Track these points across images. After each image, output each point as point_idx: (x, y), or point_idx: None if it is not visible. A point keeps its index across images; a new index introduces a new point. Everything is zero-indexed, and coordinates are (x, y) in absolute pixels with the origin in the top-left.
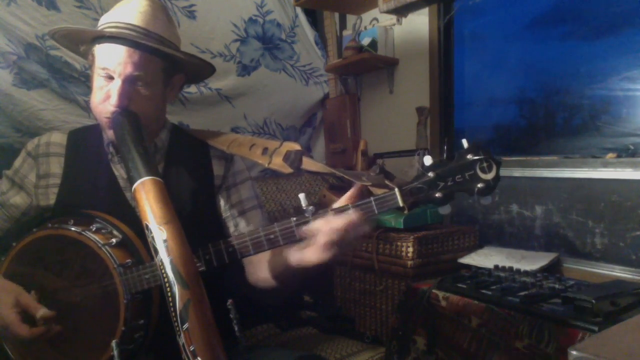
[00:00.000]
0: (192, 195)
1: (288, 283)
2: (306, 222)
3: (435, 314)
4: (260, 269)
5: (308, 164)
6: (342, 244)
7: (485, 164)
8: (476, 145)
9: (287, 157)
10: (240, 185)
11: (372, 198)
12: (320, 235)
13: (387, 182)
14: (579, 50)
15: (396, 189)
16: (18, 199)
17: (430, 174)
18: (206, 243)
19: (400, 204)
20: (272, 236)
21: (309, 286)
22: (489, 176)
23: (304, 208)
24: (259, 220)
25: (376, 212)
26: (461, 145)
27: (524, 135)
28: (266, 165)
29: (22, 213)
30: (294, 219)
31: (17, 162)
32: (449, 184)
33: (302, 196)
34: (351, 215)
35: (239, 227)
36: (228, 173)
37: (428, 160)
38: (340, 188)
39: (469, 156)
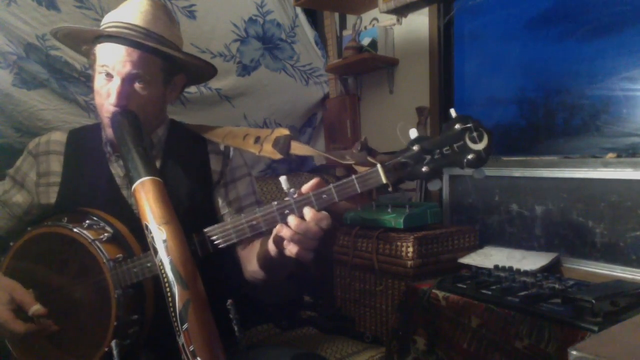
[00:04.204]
0: (190, 191)
1: (274, 273)
2: (288, 205)
3: (435, 314)
4: (250, 262)
5: (297, 148)
6: (305, 240)
7: (475, 134)
8: (465, 116)
9: (276, 143)
10: (238, 182)
11: (353, 176)
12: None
13: (369, 159)
14: (579, 50)
15: (378, 165)
16: (20, 198)
17: (415, 148)
18: None
19: (384, 180)
20: (254, 222)
21: (309, 286)
22: (480, 146)
23: (286, 191)
24: None
25: (359, 190)
26: (450, 116)
27: (524, 135)
28: (257, 153)
29: (24, 212)
30: (275, 202)
31: (19, 161)
32: (436, 157)
33: (282, 179)
34: (309, 213)
35: None
36: (226, 169)
37: (413, 133)
38: None
39: (457, 126)
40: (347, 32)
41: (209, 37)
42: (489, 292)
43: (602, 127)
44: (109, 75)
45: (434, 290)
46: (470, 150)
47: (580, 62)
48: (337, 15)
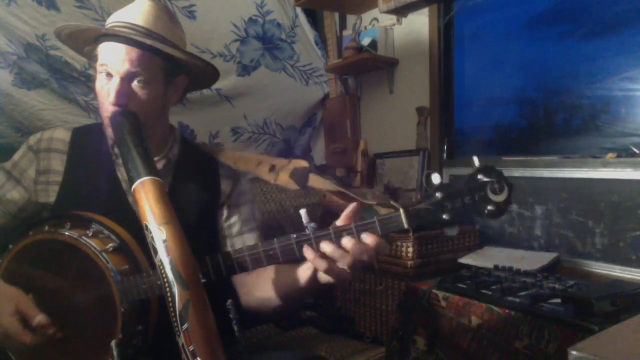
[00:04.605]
0: (198, 211)
1: (296, 302)
2: (307, 240)
3: (435, 314)
4: (259, 288)
5: (315, 181)
6: (363, 264)
7: (496, 186)
8: (488, 166)
9: (293, 174)
10: (242, 207)
11: (375, 218)
12: (348, 255)
13: (392, 202)
14: (579, 50)
15: (401, 210)
16: (15, 194)
17: (438, 195)
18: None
19: (405, 225)
20: (271, 252)
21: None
22: (500, 198)
23: (305, 224)
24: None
25: (380, 232)
26: (465, 151)
27: (524, 135)
28: (272, 182)
29: (19, 209)
30: (294, 235)
31: (17, 155)
32: (457, 205)
33: (303, 212)
34: (376, 237)
35: (234, 247)
36: (233, 192)
37: (436, 178)
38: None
39: (480, 177)
40: (347, 32)
41: (209, 37)
42: (489, 292)
43: (602, 127)
44: (108, 75)
45: (434, 290)
46: (491, 202)
47: (580, 62)
48: (337, 15)
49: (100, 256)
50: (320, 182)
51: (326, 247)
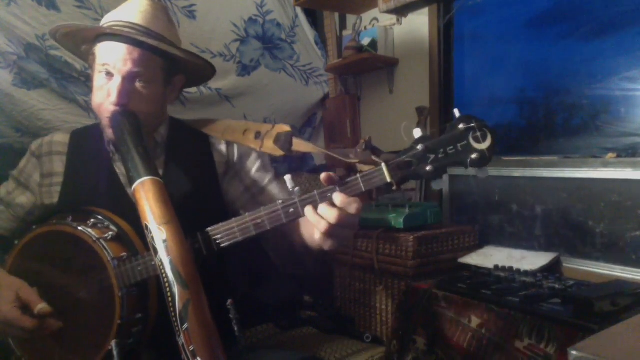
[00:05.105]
0: (196, 187)
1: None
2: (293, 204)
3: (435, 314)
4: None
5: (298, 144)
6: (346, 226)
7: (479, 133)
8: (469, 116)
9: (277, 140)
10: (248, 166)
11: (358, 175)
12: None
13: (374, 157)
14: (579, 50)
15: (383, 164)
16: (24, 199)
17: (420, 147)
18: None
19: (388, 179)
20: (259, 221)
21: (309, 286)
22: (484, 146)
23: (290, 190)
24: (278, 193)
25: (363, 189)
26: (453, 116)
27: (524, 135)
28: (258, 149)
29: (27, 212)
30: (280, 201)
31: (22, 163)
32: (440, 156)
33: (287, 177)
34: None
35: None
36: (232, 158)
37: (417, 132)
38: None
39: (461, 126)
40: (347, 32)
41: (209, 37)
42: (489, 292)
43: (602, 127)
44: (109, 74)
45: (434, 290)
46: (474, 150)
47: (580, 62)
48: (337, 15)
49: (99, 243)
50: (304, 145)
51: (322, 208)
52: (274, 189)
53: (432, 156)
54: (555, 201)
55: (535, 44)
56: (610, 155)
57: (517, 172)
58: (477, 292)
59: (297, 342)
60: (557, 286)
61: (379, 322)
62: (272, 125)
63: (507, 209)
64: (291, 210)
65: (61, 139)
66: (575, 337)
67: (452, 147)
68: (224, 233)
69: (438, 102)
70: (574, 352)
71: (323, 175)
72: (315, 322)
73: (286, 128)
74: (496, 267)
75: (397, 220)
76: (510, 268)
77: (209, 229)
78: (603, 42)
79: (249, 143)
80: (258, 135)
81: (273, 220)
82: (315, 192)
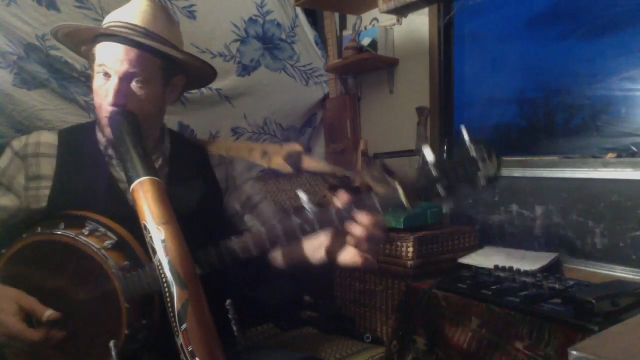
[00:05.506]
0: (201, 199)
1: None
2: (308, 221)
3: (435, 314)
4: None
5: (309, 162)
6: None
7: (486, 156)
8: (477, 140)
9: (288, 157)
10: (243, 184)
11: (374, 197)
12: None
13: (388, 179)
14: (579, 50)
15: (398, 187)
16: (6, 201)
17: (432, 170)
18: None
19: (404, 202)
20: (275, 235)
21: (309, 286)
22: (491, 170)
23: (305, 206)
24: (270, 210)
25: (379, 210)
26: (460, 132)
27: (524, 135)
28: (266, 166)
29: (9, 215)
30: (297, 218)
31: (3, 162)
32: (452, 181)
33: (301, 193)
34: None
35: (253, 222)
36: (232, 174)
37: (430, 156)
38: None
39: (470, 151)
40: (347, 32)
41: (209, 37)
42: (489, 292)
43: (602, 127)
44: (106, 75)
45: (434, 290)
46: (483, 175)
47: (580, 62)
48: (337, 15)
49: (100, 254)
50: (315, 163)
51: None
52: (265, 207)
53: (445, 181)
54: (555, 201)
55: (535, 44)
56: (610, 155)
57: (517, 172)
58: (477, 292)
59: (297, 342)
60: (557, 286)
61: (379, 322)
62: (280, 145)
63: (507, 209)
64: (306, 227)
65: (50, 139)
66: (575, 337)
67: (463, 172)
68: (239, 247)
69: (438, 102)
70: (574, 352)
71: (343, 196)
72: (315, 322)
73: (297, 147)
74: (496, 267)
75: (397, 220)
76: (510, 268)
77: (221, 242)
78: (603, 42)
79: (255, 160)
80: (265, 154)
81: (289, 236)
82: (333, 210)
